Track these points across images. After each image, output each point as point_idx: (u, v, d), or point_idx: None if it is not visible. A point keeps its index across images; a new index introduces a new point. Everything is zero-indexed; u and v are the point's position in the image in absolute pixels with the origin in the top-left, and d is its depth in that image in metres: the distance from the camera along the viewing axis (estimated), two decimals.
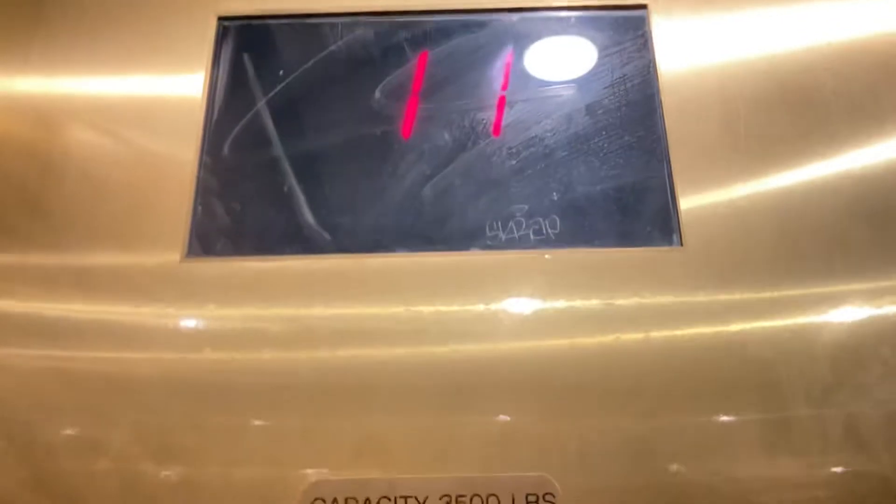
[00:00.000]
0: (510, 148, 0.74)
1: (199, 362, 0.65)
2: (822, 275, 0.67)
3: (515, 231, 0.70)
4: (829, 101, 0.74)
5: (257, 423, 0.63)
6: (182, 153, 0.74)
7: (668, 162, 0.72)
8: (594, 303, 0.66)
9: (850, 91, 0.74)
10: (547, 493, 0.60)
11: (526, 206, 0.71)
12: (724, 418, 0.62)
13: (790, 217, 0.69)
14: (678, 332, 0.65)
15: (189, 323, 0.67)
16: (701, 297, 0.66)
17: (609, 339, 0.65)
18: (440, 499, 0.60)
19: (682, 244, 0.68)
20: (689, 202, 0.70)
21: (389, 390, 0.63)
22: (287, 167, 0.73)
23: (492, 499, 0.60)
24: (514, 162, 0.73)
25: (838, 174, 0.71)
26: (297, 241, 0.70)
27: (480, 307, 0.66)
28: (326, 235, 0.70)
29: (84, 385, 0.65)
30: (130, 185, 0.72)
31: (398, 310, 0.66)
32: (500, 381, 0.64)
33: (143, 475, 0.61)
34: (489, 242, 0.70)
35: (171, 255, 0.69)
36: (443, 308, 0.66)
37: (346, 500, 0.60)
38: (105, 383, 0.65)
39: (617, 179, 0.72)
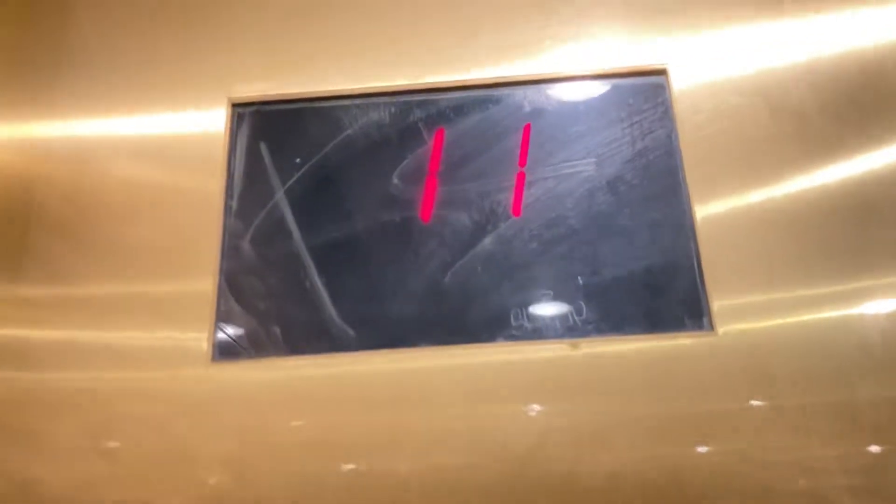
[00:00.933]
0: (532, 229, 0.73)
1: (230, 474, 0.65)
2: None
3: (541, 319, 0.69)
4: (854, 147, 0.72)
5: None
6: (203, 246, 0.74)
7: (696, 240, 0.70)
8: (624, 396, 0.65)
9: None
10: None
11: (551, 292, 0.70)
12: None
13: (828, 287, 0.67)
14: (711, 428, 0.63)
15: (216, 429, 0.67)
16: (733, 388, 0.65)
17: (642, 437, 0.64)
18: None
19: (712, 328, 0.67)
20: (718, 282, 0.68)
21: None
22: (308, 260, 0.73)
23: None
24: (536, 244, 0.72)
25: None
26: (322, 339, 0.70)
27: (511, 407, 0.65)
28: (350, 331, 0.70)
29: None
30: (147, 278, 0.72)
31: (427, 415, 0.65)
32: (534, 483, 0.63)
33: None
34: (515, 333, 0.69)
35: (196, 360, 0.69)
36: (471, 409, 0.65)
37: None
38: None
39: (643, 260, 0.70)
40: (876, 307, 0.67)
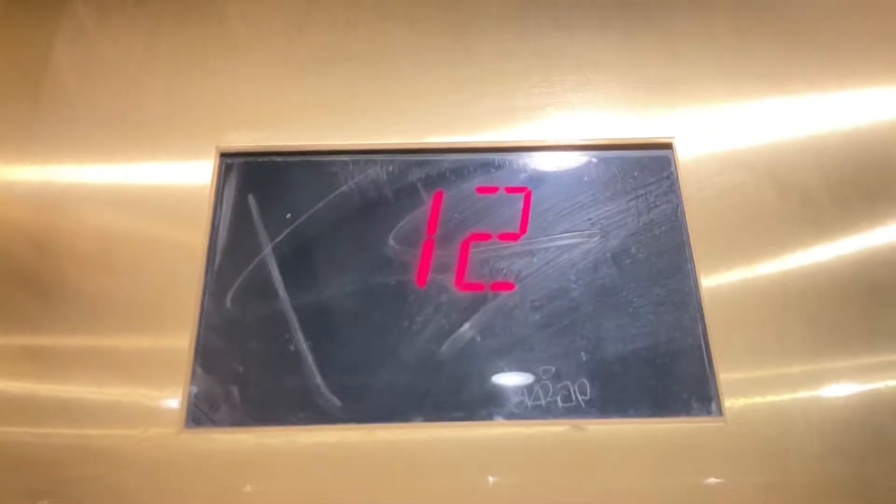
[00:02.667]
0: (533, 300, 0.69)
1: None
2: None
3: (542, 397, 0.65)
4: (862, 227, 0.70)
5: None
6: (180, 302, 0.68)
7: (703, 320, 0.67)
8: (630, 483, 0.61)
9: None
10: None
11: (553, 368, 0.66)
12: None
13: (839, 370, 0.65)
14: None
15: (183, 495, 0.61)
16: (742, 476, 0.61)
17: None
18: None
19: (721, 413, 0.63)
20: (727, 365, 0.65)
21: None
22: (294, 322, 0.68)
23: None
24: (537, 316, 0.69)
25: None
26: (306, 409, 0.65)
27: (511, 484, 0.61)
28: (337, 402, 0.65)
29: None
30: (120, 340, 0.67)
31: (416, 496, 0.60)
32: None
33: None
34: (514, 410, 0.65)
35: (167, 426, 0.63)
36: (465, 491, 0.60)
37: None
38: None
39: (648, 338, 0.67)
40: (886, 389, 0.64)
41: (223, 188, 0.75)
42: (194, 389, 0.65)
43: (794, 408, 0.63)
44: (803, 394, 0.64)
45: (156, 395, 0.64)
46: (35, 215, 0.72)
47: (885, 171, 0.74)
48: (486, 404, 0.65)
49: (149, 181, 0.74)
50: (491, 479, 0.61)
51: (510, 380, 0.66)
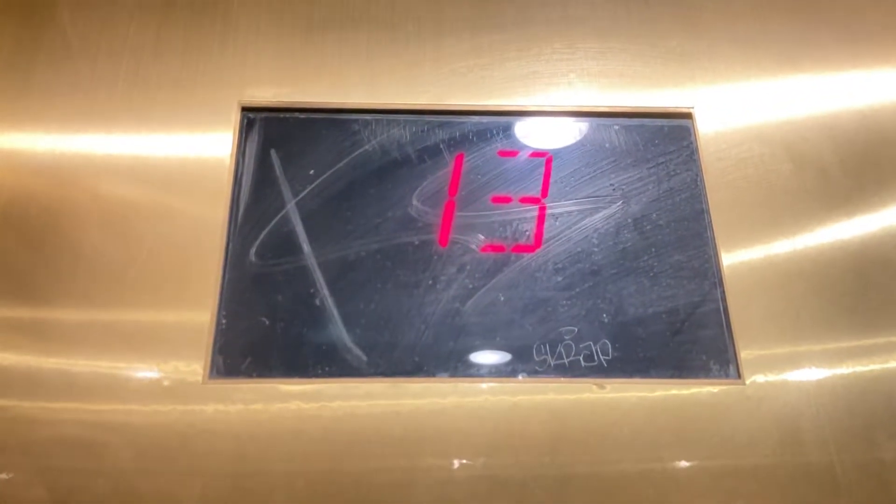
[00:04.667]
0: (555, 263, 0.70)
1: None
2: None
3: (565, 356, 0.66)
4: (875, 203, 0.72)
5: None
6: (204, 255, 0.68)
7: (722, 285, 0.69)
8: (649, 441, 0.62)
9: None
10: None
11: (575, 329, 0.67)
12: None
13: (854, 334, 0.66)
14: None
15: (207, 449, 0.61)
16: (761, 440, 0.62)
17: (664, 475, 0.61)
18: None
19: (739, 376, 0.65)
20: (746, 330, 0.67)
21: None
22: (319, 277, 0.68)
23: None
24: (560, 278, 0.69)
25: None
26: (332, 362, 0.65)
27: (533, 442, 0.62)
28: (363, 356, 0.65)
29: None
30: (145, 292, 0.66)
31: (441, 450, 0.61)
32: None
33: None
34: (538, 368, 0.65)
35: (191, 376, 0.63)
36: (489, 447, 0.61)
37: None
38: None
39: (669, 302, 0.68)
40: None
41: (245, 143, 0.74)
42: (218, 341, 0.65)
43: (810, 371, 0.65)
44: (819, 358, 0.66)
45: (180, 346, 0.64)
46: (50, 181, 0.71)
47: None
48: (509, 362, 0.65)
49: (170, 135, 0.74)
50: (514, 434, 0.62)
51: (533, 339, 0.66)
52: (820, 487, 0.61)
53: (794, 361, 0.65)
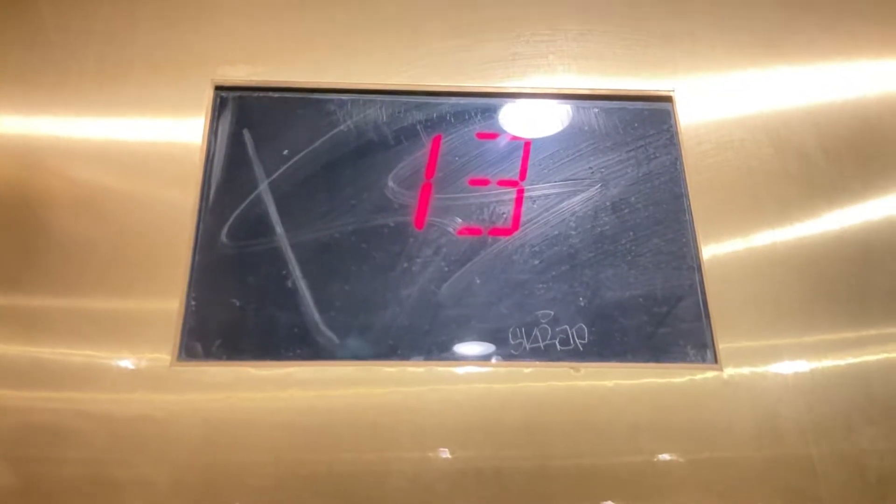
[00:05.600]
0: (532, 246, 0.69)
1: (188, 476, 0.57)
2: None
3: (541, 340, 0.65)
4: (855, 188, 0.72)
5: None
6: (175, 235, 0.67)
7: (700, 270, 0.68)
8: (625, 426, 0.61)
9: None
10: None
11: (552, 312, 0.66)
12: None
13: (831, 321, 0.66)
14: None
15: (179, 432, 0.59)
16: (738, 426, 0.62)
17: (641, 460, 0.60)
18: None
19: (716, 361, 0.64)
20: (723, 313, 0.66)
21: None
22: (292, 259, 0.67)
23: None
24: (537, 262, 0.69)
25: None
26: (304, 345, 0.64)
27: (508, 426, 0.61)
28: (335, 339, 0.64)
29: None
30: (113, 272, 0.65)
31: (415, 434, 0.60)
32: None
33: None
34: (513, 352, 0.65)
35: (159, 360, 0.61)
36: (463, 432, 0.61)
37: None
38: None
39: (646, 286, 0.68)
40: (874, 341, 0.66)
41: (218, 123, 0.73)
42: (188, 323, 0.63)
43: (788, 356, 0.64)
44: (797, 343, 0.65)
45: (148, 329, 0.63)
46: (18, 163, 0.69)
47: (878, 136, 0.75)
48: (485, 346, 0.65)
49: (142, 113, 0.72)
50: (489, 419, 0.61)
51: (509, 322, 0.66)
52: (798, 473, 0.61)
53: (772, 347, 0.65)
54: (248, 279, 0.66)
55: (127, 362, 0.61)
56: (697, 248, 0.69)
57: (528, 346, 0.65)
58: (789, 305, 0.67)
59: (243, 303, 0.65)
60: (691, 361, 0.64)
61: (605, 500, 0.58)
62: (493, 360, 0.64)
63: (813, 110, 0.76)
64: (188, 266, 0.66)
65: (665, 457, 0.60)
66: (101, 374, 0.61)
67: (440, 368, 0.63)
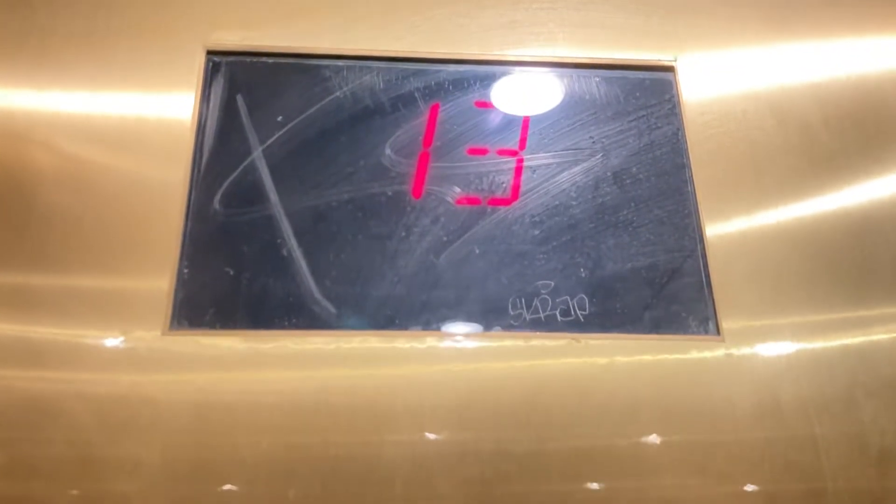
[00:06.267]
0: (532, 216, 0.68)
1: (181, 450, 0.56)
2: None
3: (541, 310, 0.64)
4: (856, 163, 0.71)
5: None
6: (166, 202, 0.65)
7: (702, 239, 0.67)
8: (626, 397, 0.60)
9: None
10: None
11: (552, 283, 0.65)
12: None
13: (832, 294, 0.65)
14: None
15: (170, 405, 0.58)
16: (739, 397, 0.61)
17: (642, 431, 0.59)
18: None
19: (718, 333, 0.63)
20: (726, 286, 0.65)
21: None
22: (287, 227, 0.65)
23: None
24: (536, 232, 0.67)
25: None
26: (300, 315, 0.62)
27: (508, 397, 0.60)
28: (332, 308, 0.63)
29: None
30: (104, 241, 0.63)
31: (414, 404, 0.59)
32: (532, 478, 0.57)
33: None
34: (513, 322, 0.63)
35: (150, 328, 0.60)
36: (463, 401, 0.59)
37: None
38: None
39: (648, 257, 0.67)
40: (875, 315, 0.65)
41: (210, 88, 0.71)
42: (180, 292, 0.62)
43: (790, 329, 0.64)
44: (799, 316, 0.64)
45: (139, 296, 0.61)
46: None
47: (881, 111, 0.74)
48: (484, 316, 0.63)
49: (132, 79, 0.70)
50: (488, 390, 0.60)
51: (509, 293, 0.64)
52: (800, 449, 0.60)
53: (775, 319, 0.64)
54: (241, 247, 0.64)
55: (117, 332, 0.59)
56: (699, 218, 0.68)
57: (528, 317, 0.64)
58: (791, 277, 0.66)
59: (237, 271, 0.63)
60: (693, 333, 0.63)
61: (606, 473, 0.57)
62: (493, 331, 0.63)
63: (816, 82, 0.75)
64: (180, 234, 0.64)
65: (666, 429, 0.59)
66: (90, 346, 0.59)
67: (439, 338, 0.62)
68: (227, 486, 0.55)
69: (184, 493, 0.55)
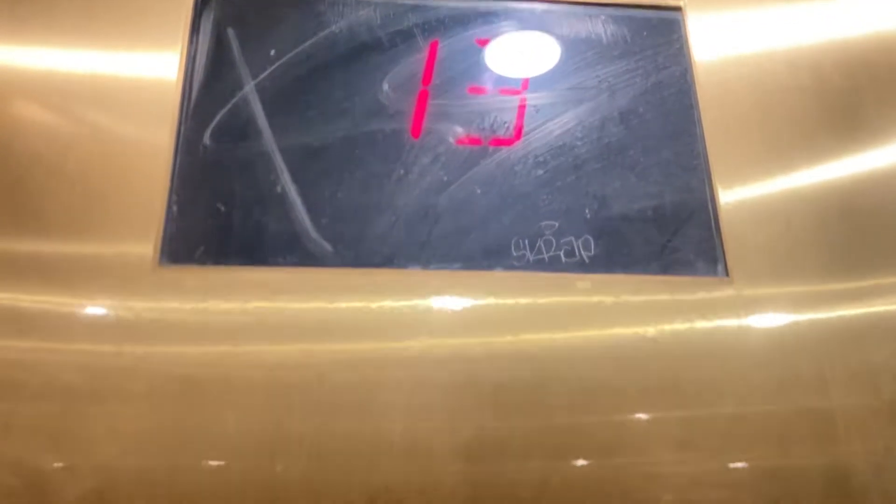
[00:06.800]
0: (536, 156, 0.65)
1: (172, 395, 0.54)
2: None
3: (545, 251, 0.61)
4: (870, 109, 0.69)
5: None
6: (154, 139, 0.62)
7: (710, 182, 0.65)
8: (632, 338, 0.58)
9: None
10: None
11: (556, 224, 0.63)
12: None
13: (842, 239, 0.63)
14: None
15: (161, 342, 0.55)
16: (748, 342, 0.59)
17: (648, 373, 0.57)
18: None
19: (727, 274, 0.61)
20: (734, 227, 0.63)
21: (404, 449, 0.54)
22: (280, 164, 0.63)
23: None
24: (541, 172, 0.65)
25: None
26: (294, 252, 0.60)
27: (508, 337, 0.58)
28: (328, 247, 0.60)
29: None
30: (90, 175, 0.60)
31: (413, 343, 0.57)
32: (535, 425, 0.55)
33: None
34: (515, 263, 0.61)
35: (140, 262, 0.57)
36: (463, 340, 0.57)
37: None
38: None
39: (655, 198, 0.64)
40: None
41: (200, 20, 0.67)
42: (170, 225, 0.59)
43: (800, 270, 0.62)
44: (809, 257, 0.62)
45: (129, 230, 0.58)
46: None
47: (894, 57, 0.72)
48: (486, 256, 0.61)
49: (118, 9, 0.66)
50: (490, 329, 0.58)
51: (512, 233, 0.62)
52: (811, 391, 0.58)
53: (785, 261, 0.62)
54: (233, 184, 0.62)
55: (106, 267, 0.57)
56: (708, 160, 0.66)
57: (531, 258, 0.61)
58: (801, 214, 0.64)
59: (229, 208, 0.61)
60: (701, 274, 0.61)
61: (611, 409, 0.55)
62: (495, 270, 0.60)
63: (827, 22, 0.73)
64: (169, 168, 0.61)
65: (672, 368, 0.57)
66: (77, 276, 0.56)
67: (438, 277, 0.59)
68: (219, 412, 0.53)
69: (172, 420, 0.53)
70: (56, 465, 0.52)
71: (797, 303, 0.61)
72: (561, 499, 0.53)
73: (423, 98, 0.67)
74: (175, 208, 0.60)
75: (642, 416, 0.56)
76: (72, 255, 0.57)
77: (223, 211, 0.60)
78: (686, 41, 0.70)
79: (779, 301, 0.61)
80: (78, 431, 0.52)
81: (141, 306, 0.56)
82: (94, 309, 0.55)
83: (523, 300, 0.59)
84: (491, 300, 0.59)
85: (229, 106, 0.64)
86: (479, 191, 0.64)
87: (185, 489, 0.52)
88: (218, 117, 0.64)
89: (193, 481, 0.52)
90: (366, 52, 0.68)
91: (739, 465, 0.55)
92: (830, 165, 0.66)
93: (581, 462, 0.54)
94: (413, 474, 0.53)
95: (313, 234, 0.60)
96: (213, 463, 0.52)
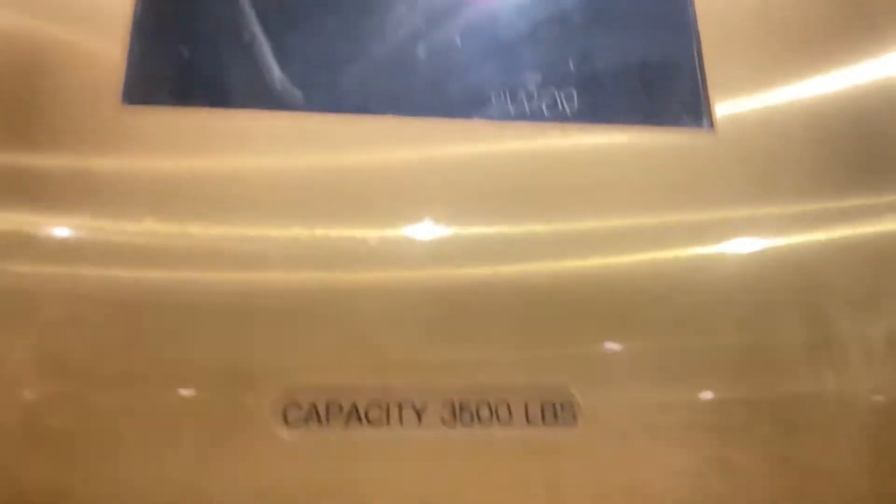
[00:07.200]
0: (519, 6, 0.62)
1: (141, 235, 0.51)
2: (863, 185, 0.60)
3: (526, 102, 0.59)
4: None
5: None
6: None
7: (696, 37, 0.62)
8: (618, 187, 0.57)
9: None
10: (566, 403, 0.51)
11: (539, 75, 0.60)
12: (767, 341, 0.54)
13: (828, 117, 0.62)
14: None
15: (127, 182, 0.53)
16: (732, 190, 0.58)
17: (630, 224, 0.56)
18: (442, 405, 0.50)
19: (712, 126, 0.60)
20: (720, 80, 0.61)
21: (383, 307, 0.52)
22: (246, 6, 0.59)
23: (502, 407, 0.51)
24: (523, 22, 0.62)
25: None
26: (261, 98, 0.57)
27: (488, 186, 0.56)
28: (297, 92, 0.57)
29: None
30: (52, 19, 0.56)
31: (390, 188, 0.54)
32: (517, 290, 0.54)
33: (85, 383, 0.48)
34: (495, 114, 0.59)
35: (102, 102, 0.54)
36: (436, 188, 0.55)
37: (328, 405, 0.49)
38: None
39: (641, 52, 0.62)
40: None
41: None
42: (132, 64, 0.55)
43: (785, 124, 0.60)
44: (794, 111, 0.61)
45: (89, 69, 0.55)
46: None
47: None
48: (465, 106, 0.59)
49: None
50: (471, 179, 0.56)
51: (493, 84, 0.59)
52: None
53: (769, 109, 0.61)
54: (196, 25, 0.58)
55: (67, 109, 0.53)
56: (694, 12, 0.63)
57: (512, 109, 0.59)
58: (788, 70, 0.62)
59: (191, 50, 0.57)
60: (685, 126, 0.60)
61: (593, 251, 0.54)
62: (473, 118, 0.58)
63: None
64: (130, 11, 0.57)
65: (655, 212, 0.56)
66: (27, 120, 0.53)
67: (413, 125, 0.57)
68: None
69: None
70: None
71: (780, 150, 0.59)
72: None
73: None
74: (136, 47, 0.56)
75: (618, 258, 0.55)
76: (22, 102, 0.53)
77: (187, 56, 0.57)
78: None
79: (762, 151, 0.59)
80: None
81: (106, 147, 0.53)
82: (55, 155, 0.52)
83: (502, 145, 0.57)
84: (468, 146, 0.57)
85: None
86: (458, 41, 0.61)
87: None
88: None
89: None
90: None
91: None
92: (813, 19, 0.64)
93: None
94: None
95: (282, 79, 0.57)
96: None
